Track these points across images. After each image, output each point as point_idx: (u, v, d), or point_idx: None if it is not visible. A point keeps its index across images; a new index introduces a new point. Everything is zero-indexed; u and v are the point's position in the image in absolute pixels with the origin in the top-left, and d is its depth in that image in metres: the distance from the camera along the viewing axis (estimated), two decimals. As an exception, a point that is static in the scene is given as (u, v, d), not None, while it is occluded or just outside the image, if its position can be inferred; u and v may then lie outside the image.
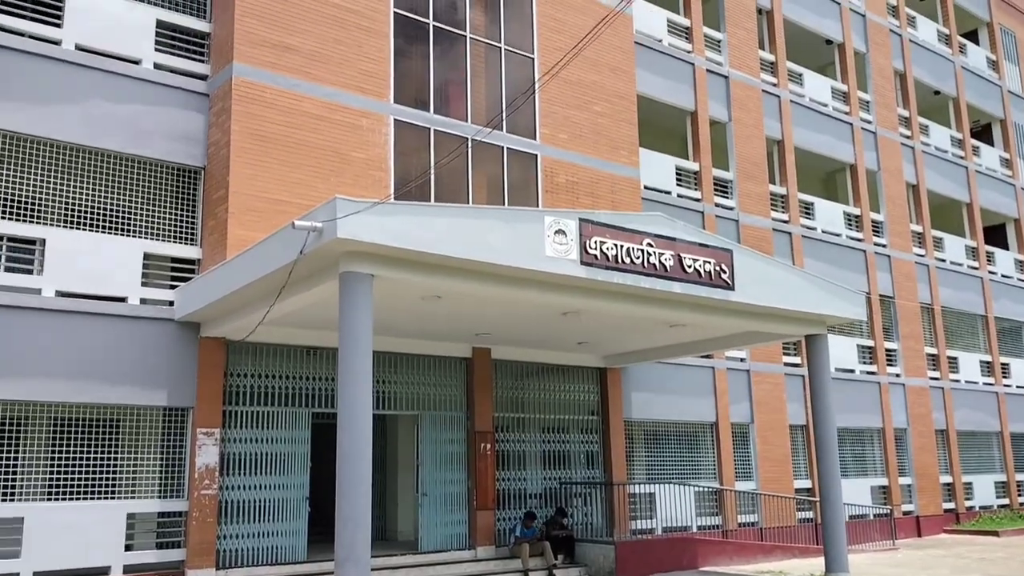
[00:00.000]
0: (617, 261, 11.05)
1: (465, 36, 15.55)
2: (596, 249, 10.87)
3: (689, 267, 11.81)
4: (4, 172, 11.72)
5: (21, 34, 11.98)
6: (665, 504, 16.69)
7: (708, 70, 20.17)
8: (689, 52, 19.93)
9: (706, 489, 17.83)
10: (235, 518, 12.39)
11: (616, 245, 11.04)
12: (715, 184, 19.73)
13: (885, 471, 21.89)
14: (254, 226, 12.39)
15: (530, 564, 14.21)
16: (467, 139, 15.00)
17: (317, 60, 13.60)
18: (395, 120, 14.34)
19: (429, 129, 14.74)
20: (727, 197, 19.96)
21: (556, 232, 10.57)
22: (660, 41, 19.40)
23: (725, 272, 12.22)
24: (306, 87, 13.40)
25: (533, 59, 16.39)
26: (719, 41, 20.81)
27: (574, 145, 16.54)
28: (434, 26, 15.15)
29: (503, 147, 15.54)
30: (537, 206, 15.68)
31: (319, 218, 9.25)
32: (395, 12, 14.65)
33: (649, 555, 14.96)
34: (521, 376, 15.99)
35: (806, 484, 19.99)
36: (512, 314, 12.58)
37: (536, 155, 15.99)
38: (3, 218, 11.61)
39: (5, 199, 11.71)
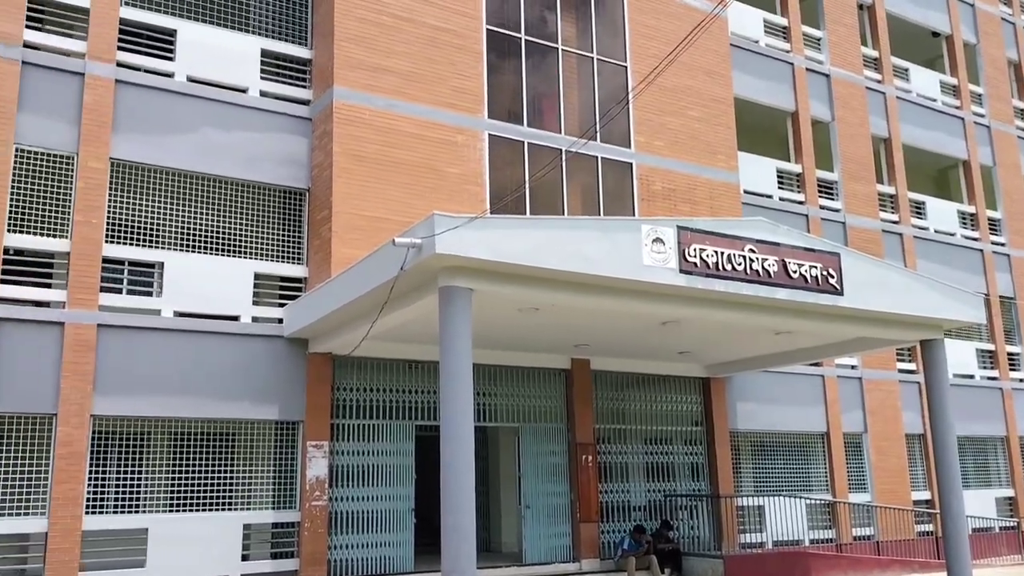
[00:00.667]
0: (718, 268, 10.84)
1: (557, 48, 15.59)
2: (695, 257, 10.70)
3: (794, 272, 11.47)
4: (124, 200, 12.39)
5: (137, 69, 12.67)
6: (775, 517, 16.20)
7: (808, 69, 19.61)
8: (787, 52, 19.44)
9: (818, 501, 17.23)
10: (345, 529, 12.70)
11: (716, 252, 10.84)
12: (819, 186, 19.13)
13: (1011, 482, 20.67)
14: (357, 244, 12.72)
15: (636, 577, 14.04)
16: (561, 151, 15.02)
17: (412, 80, 13.89)
18: (489, 135, 14.49)
19: (523, 142, 14.83)
20: (832, 199, 19.32)
21: (654, 241, 10.45)
22: (756, 42, 18.98)
23: (833, 276, 11.82)
24: (402, 106, 13.70)
25: (626, 67, 16.30)
26: (819, 39, 20.21)
27: (670, 151, 16.35)
28: (526, 40, 15.26)
29: (598, 157, 15.49)
30: (633, 215, 15.55)
31: (418, 234, 9.42)
32: (487, 29, 14.82)
33: (759, 569, 14.54)
34: (622, 387, 15.85)
35: (925, 495, 19.07)
36: (611, 325, 12.49)
37: (631, 163, 15.88)
38: (125, 244, 12.27)
39: (126, 225, 12.38)
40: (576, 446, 14.80)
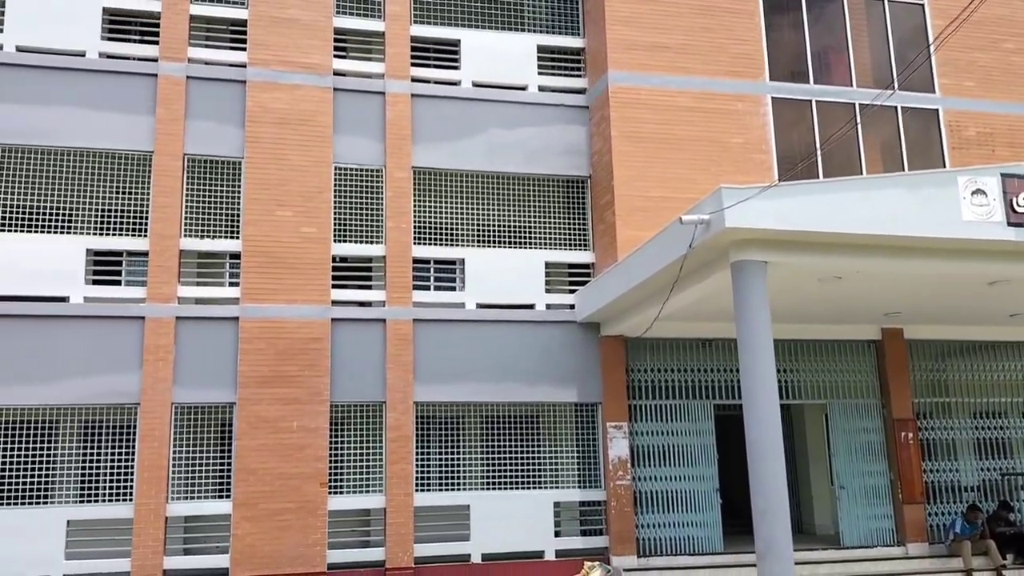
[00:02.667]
0: (1055, 217, 9.47)
1: (841, -4, 14.48)
2: (1026, 206, 9.42)
3: None
4: (426, 204, 13.43)
5: (428, 81, 13.65)
6: None
7: None
8: None
9: None
10: (650, 508, 12.82)
11: (1052, 199, 9.46)
12: None
13: None
14: (641, 225, 12.73)
15: (973, 564, 12.75)
16: (855, 105, 13.93)
17: (687, 52, 13.61)
18: (772, 98, 13.81)
19: (810, 101, 13.96)
20: None
21: (974, 193, 9.36)
22: (1086, -49, 16.27)
23: None
24: (678, 82, 13.48)
25: (923, 5, 14.74)
26: None
27: (983, 92, 14.54)
28: (805, -7, 14.33)
29: (897, 107, 14.18)
30: (943, 166, 14.04)
31: (705, 210, 9.21)
32: (762, -12, 14.13)
33: None
34: (942, 356, 14.41)
35: None
36: (925, 289, 11.38)
37: (937, 109, 14.34)
38: (430, 244, 13.30)
39: (430, 227, 13.42)
40: (893, 422, 13.69)
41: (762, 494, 8.75)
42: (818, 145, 13.68)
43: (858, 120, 13.77)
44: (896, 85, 14.09)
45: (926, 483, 13.75)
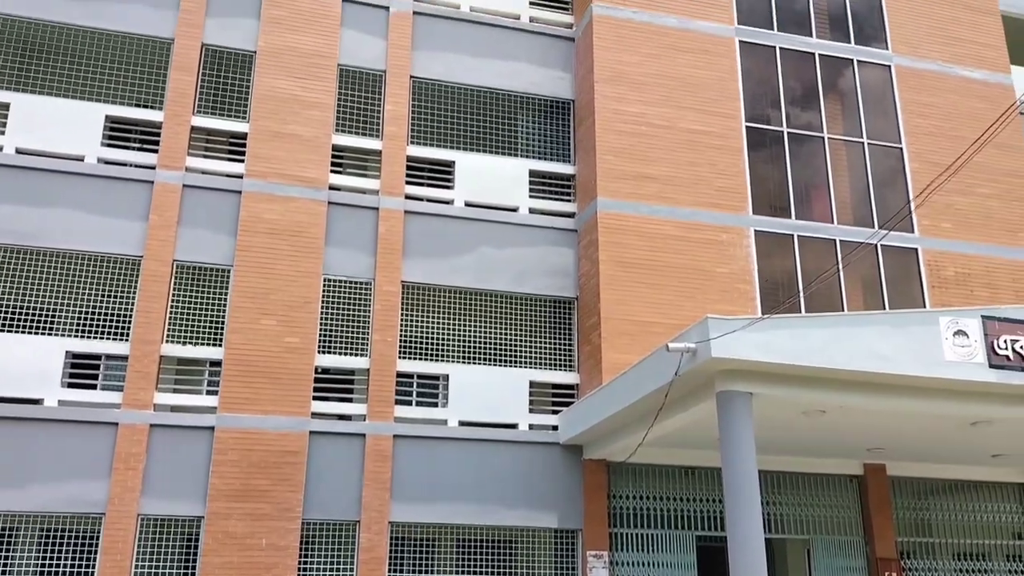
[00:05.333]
0: (1036, 361, 9.60)
1: (822, 137, 15.07)
2: (1007, 349, 9.57)
3: None
4: (414, 318, 13.45)
5: (421, 199, 13.91)
6: None
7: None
8: (1092, 112, 17.34)
9: None
10: (628, 644, 12.32)
11: (1033, 343, 9.62)
12: None
13: None
14: (627, 349, 12.78)
15: None
16: (836, 241, 14.29)
17: (673, 184, 14.01)
18: (756, 231, 14.15)
19: (792, 235, 14.31)
20: None
21: (955, 333, 9.50)
22: (1052, 106, 17.15)
23: None
24: (665, 211, 13.81)
25: (901, 148, 15.36)
26: None
27: (960, 233, 14.99)
28: (788, 132, 14.92)
29: (877, 245, 14.56)
30: (923, 304, 14.30)
31: (691, 339, 9.28)
32: (747, 126, 14.69)
33: None
34: (925, 495, 14.26)
35: None
36: (909, 426, 11.38)
37: (916, 248, 14.73)
38: (415, 359, 13.24)
39: (416, 342, 13.39)
40: (877, 561, 13.41)
41: (747, 635, 8.46)
42: (800, 282, 13.93)
43: (840, 265, 14.06)
44: (880, 233, 14.49)
45: (911, 627, 13.38)
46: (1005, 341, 9.59)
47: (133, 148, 13.12)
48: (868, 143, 15.28)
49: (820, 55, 15.47)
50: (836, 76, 15.56)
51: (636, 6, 14.73)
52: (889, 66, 15.78)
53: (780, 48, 15.26)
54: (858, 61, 15.65)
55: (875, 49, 15.84)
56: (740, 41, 15.09)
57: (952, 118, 15.75)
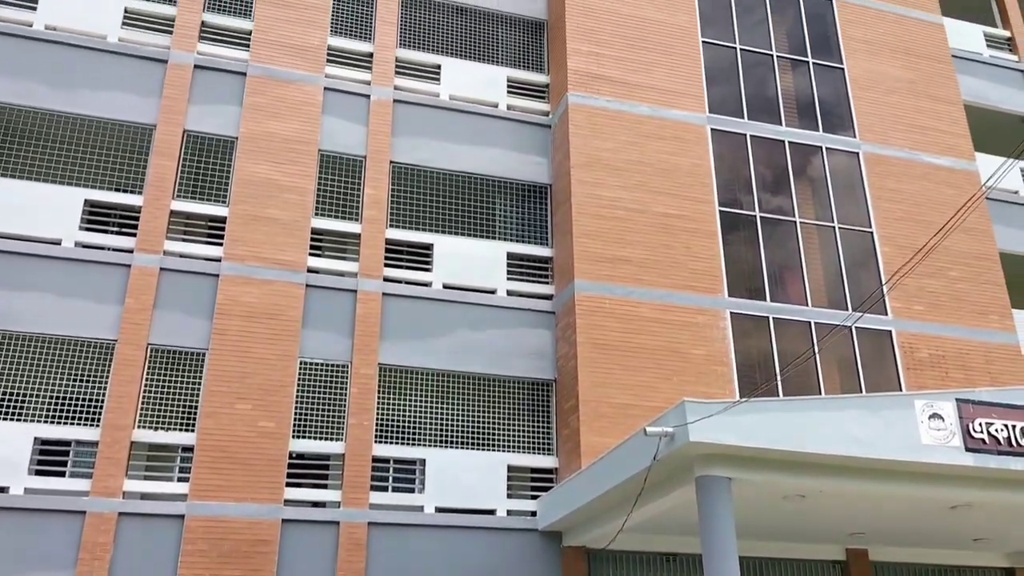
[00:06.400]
0: (1011, 444, 9.64)
1: (794, 221, 15.37)
2: (982, 432, 9.61)
3: (1108, 444, 9.91)
4: (390, 401, 13.33)
5: (400, 281, 13.96)
6: None
7: (1082, 212, 17.80)
8: (1054, 196, 17.86)
9: None
10: None
11: (1008, 426, 9.67)
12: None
13: None
14: (605, 432, 12.69)
15: None
16: (811, 323, 14.43)
17: (648, 266, 14.17)
18: (731, 313, 14.27)
19: (768, 318, 14.44)
20: None
21: (931, 416, 9.54)
22: (1017, 193, 17.62)
23: None
24: (640, 293, 13.93)
25: (872, 232, 15.67)
26: (1090, 179, 18.43)
27: (932, 315, 15.19)
28: (761, 216, 15.20)
29: (851, 327, 14.71)
30: (899, 386, 14.39)
31: (669, 423, 9.26)
32: (720, 210, 14.97)
33: None
34: (908, 580, 14.06)
35: None
36: (889, 510, 11.30)
37: (890, 331, 14.89)
38: (391, 443, 13.06)
39: (392, 425, 13.24)
40: (862, 650, 13.13)
41: None
42: (777, 364, 14.00)
43: (816, 348, 14.18)
44: (854, 316, 14.67)
45: None
46: (980, 424, 9.63)
47: (111, 232, 13.13)
48: (839, 227, 15.60)
49: (790, 142, 15.91)
50: (806, 162, 15.97)
51: (610, 95, 15.15)
52: (857, 153, 16.25)
53: (751, 136, 15.69)
54: (827, 148, 16.10)
55: (843, 137, 16.33)
56: (712, 129, 15.50)
57: (920, 203, 16.15)
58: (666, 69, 15.69)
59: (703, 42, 16.19)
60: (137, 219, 13.06)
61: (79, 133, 13.58)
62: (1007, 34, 19.48)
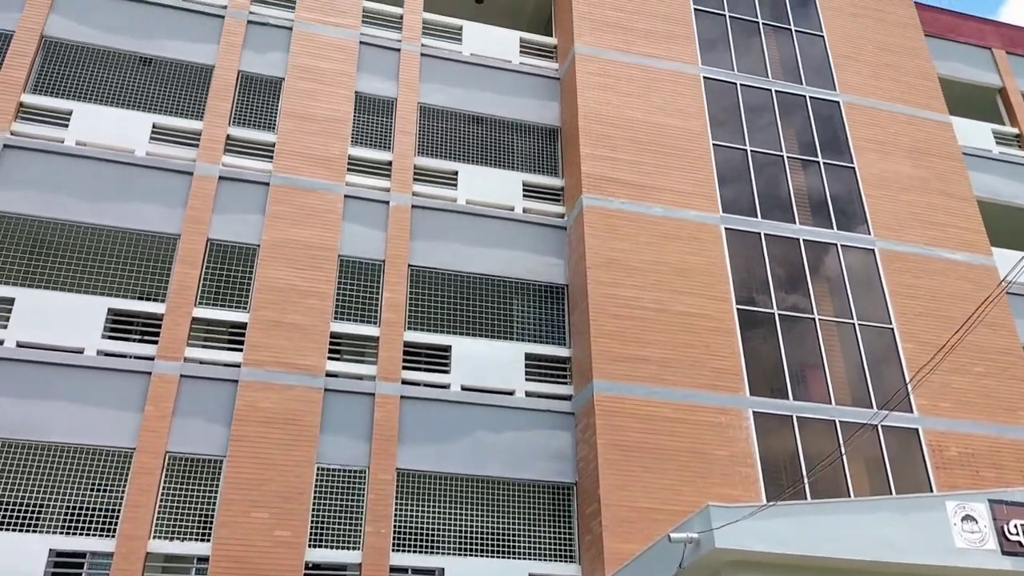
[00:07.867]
0: (1050, 547, 9.28)
1: (813, 318, 15.31)
2: (1018, 534, 9.28)
3: None
4: (408, 507, 13.10)
5: (418, 384, 13.92)
6: None
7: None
8: (1075, 289, 17.71)
9: None
10: None
11: (1045, 527, 9.34)
12: None
13: None
14: (628, 538, 12.36)
15: None
16: (835, 421, 14.18)
17: (669, 366, 14.07)
18: (754, 412, 14.06)
19: (791, 416, 14.21)
20: None
21: (963, 519, 9.25)
22: (1036, 284, 17.52)
23: None
24: (661, 392, 13.79)
25: (892, 328, 15.56)
26: (1111, 271, 18.31)
27: (960, 412, 14.89)
28: (779, 314, 15.16)
29: (877, 425, 14.43)
30: (929, 486, 13.99)
31: (694, 528, 9.02)
32: (738, 308, 14.95)
33: None
34: None
35: None
36: (927, 618, 10.82)
37: (917, 428, 14.58)
38: (409, 551, 12.76)
39: (410, 532, 12.97)
40: None
41: None
42: (803, 464, 13.69)
43: (842, 448, 13.90)
44: (880, 414, 14.43)
45: None
46: (1016, 526, 9.31)
47: (133, 340, 13.27)
48: (859, 323, 15.50)
49: (804, 240, 16.01)
50: (821, 260, 16.03)
51: (624, 197, 15.40)
52: (873, 249, 16.30)
53: (765, 234, 15.82)
54: (842, 245, 16.18)
55: (858, 234, 16.42)
56: (726, 228, 15.66)
57: (939, 299, 16.08)
58: (678, 171, 15.98)
59: (714, 144, 16.53)
60: (159, 326, 13.21)
61: (105, 243, 13.91)
62: (1015, 131, 19.79)
